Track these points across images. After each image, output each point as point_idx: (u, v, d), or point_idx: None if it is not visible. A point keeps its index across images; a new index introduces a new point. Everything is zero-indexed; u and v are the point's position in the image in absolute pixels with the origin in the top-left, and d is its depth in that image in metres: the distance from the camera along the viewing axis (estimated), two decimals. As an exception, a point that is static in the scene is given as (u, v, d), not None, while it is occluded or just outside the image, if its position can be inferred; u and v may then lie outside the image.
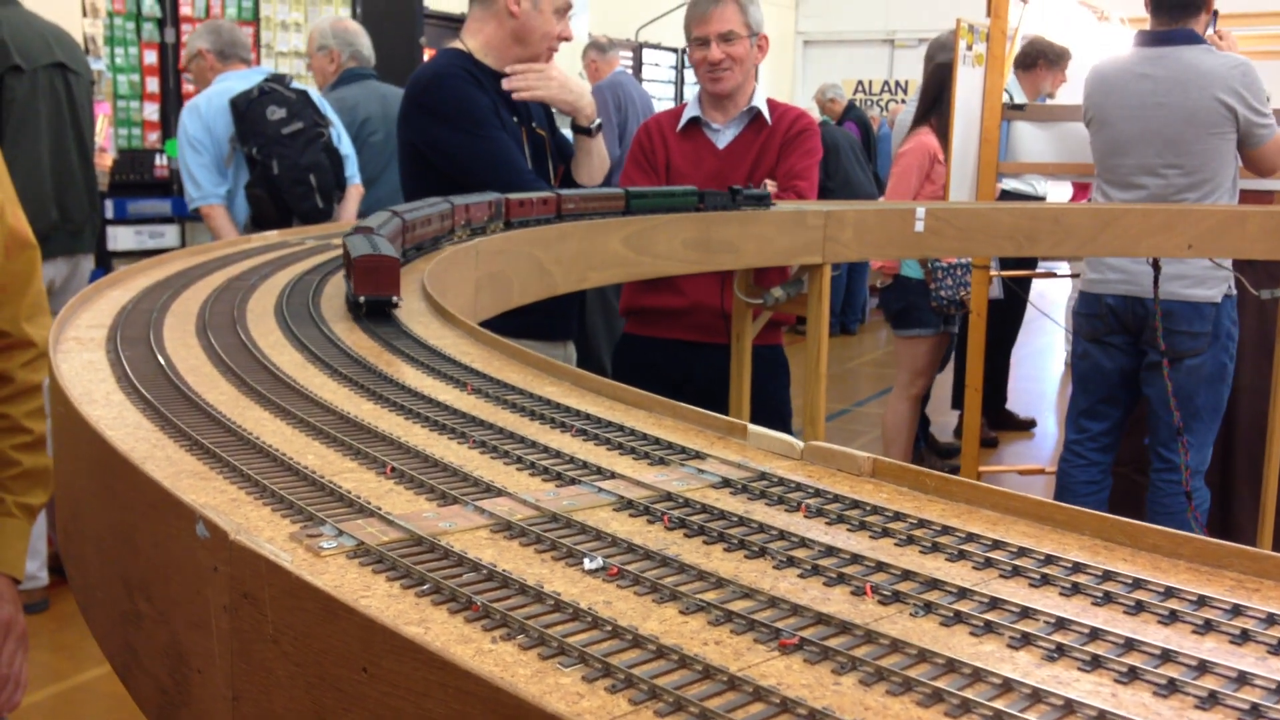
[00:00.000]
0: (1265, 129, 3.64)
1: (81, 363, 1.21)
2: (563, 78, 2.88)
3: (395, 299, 1.44)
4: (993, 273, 4.71)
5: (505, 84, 2.81)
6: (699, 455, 0.98)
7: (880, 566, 0.74)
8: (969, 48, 4.62)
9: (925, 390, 5.39)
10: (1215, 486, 4.22)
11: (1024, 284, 6.00)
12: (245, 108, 4.13)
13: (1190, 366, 3.73)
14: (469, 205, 2.19)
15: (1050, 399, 7.87)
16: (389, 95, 4.86)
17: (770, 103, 3.28)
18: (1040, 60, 5.87)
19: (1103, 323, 3.87)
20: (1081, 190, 5.63)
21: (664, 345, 3.27)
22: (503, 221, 2.32)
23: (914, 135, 4.97)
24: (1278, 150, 3.70)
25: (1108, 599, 0.70)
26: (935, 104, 4.88)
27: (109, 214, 5.40)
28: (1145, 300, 3.73)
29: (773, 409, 3.32)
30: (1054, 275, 5.32)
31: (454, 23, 7.25)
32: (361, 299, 1.42)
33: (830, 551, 0.77)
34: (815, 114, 10.42)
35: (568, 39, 2.94)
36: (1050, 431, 6.89)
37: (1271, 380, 3.78)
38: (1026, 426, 6.94)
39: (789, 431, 3.45)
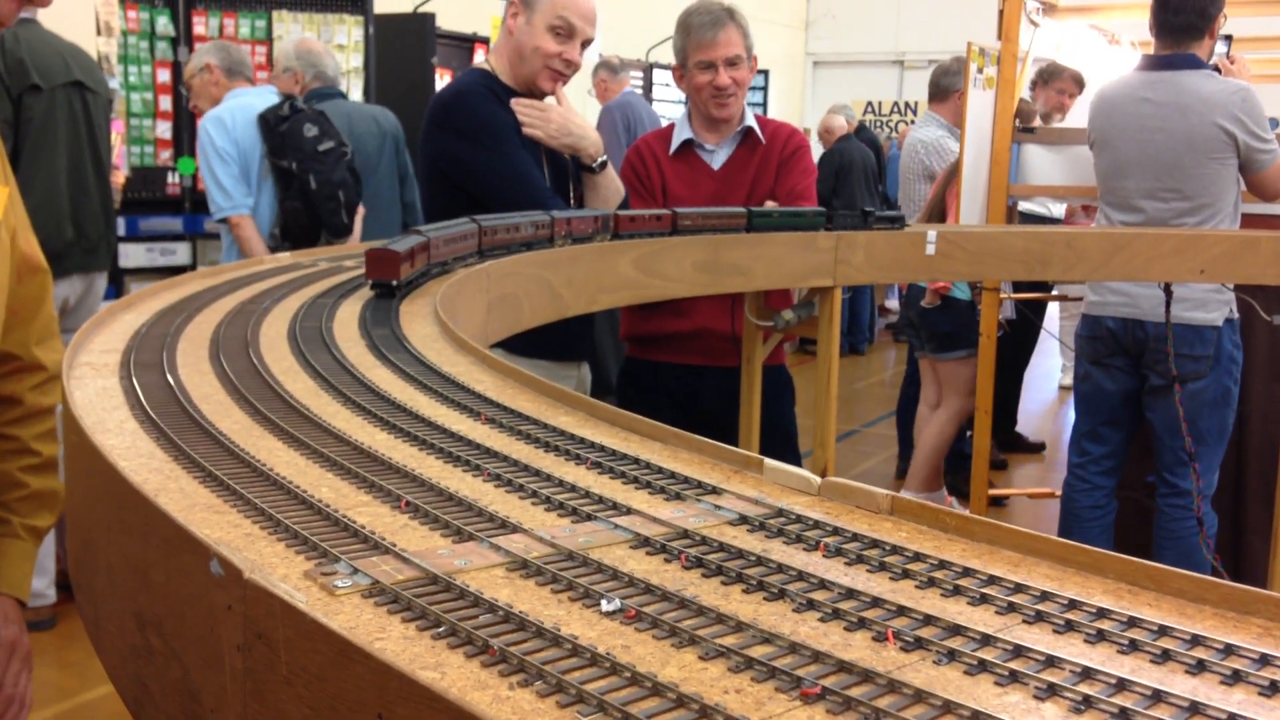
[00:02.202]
0: (1266, 154, 3.63)
1: (95, 389, 1.21)
2: (562, 119, 2.83)
3: (395, 282, 1.76)
4: (1003, 295, 4.70)
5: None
6: (715, 490, 0.97)
7: (902, 610, 0.73)
8: (979, 70, 4.63)
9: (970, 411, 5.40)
10: (1227, 510, 4.19)
11: (1036, 308, 5.99)
12: (278, 124, 4.23)
13: (1193, 390, 3.71)
14: (570, 219, 2.38)
15: (1056, 420, 7.85)
16: (355, 114, 4.91)
17: (760, 120, 3.28)
18: (1037, 80, 5.89)
19: (1103, 345, 3.85)
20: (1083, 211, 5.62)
21: (671, 369, 3.26)
22: (610, 235, 2.51)
23: None
24: (1277, 176, 3.69)
25: (1134, 647, 0.69)
26: None
27: (121, 231, 5.41)
28: (1146, 323, 3.71)
29: (780, 429, 3.31)
30: (1066, 298, 5.30)
31: (466, 43, 7.30)
32: (370, 281, 1.77)
33: (851, 594, 0.76)
34: (814, 139, 10.43)
35: (570, 62, 2.87)
36: (1060, 454, 6.86)
37: (1284, 406, 3.76)
38: (1036, 449, 6.92)
39: (796, 452, 3.47)
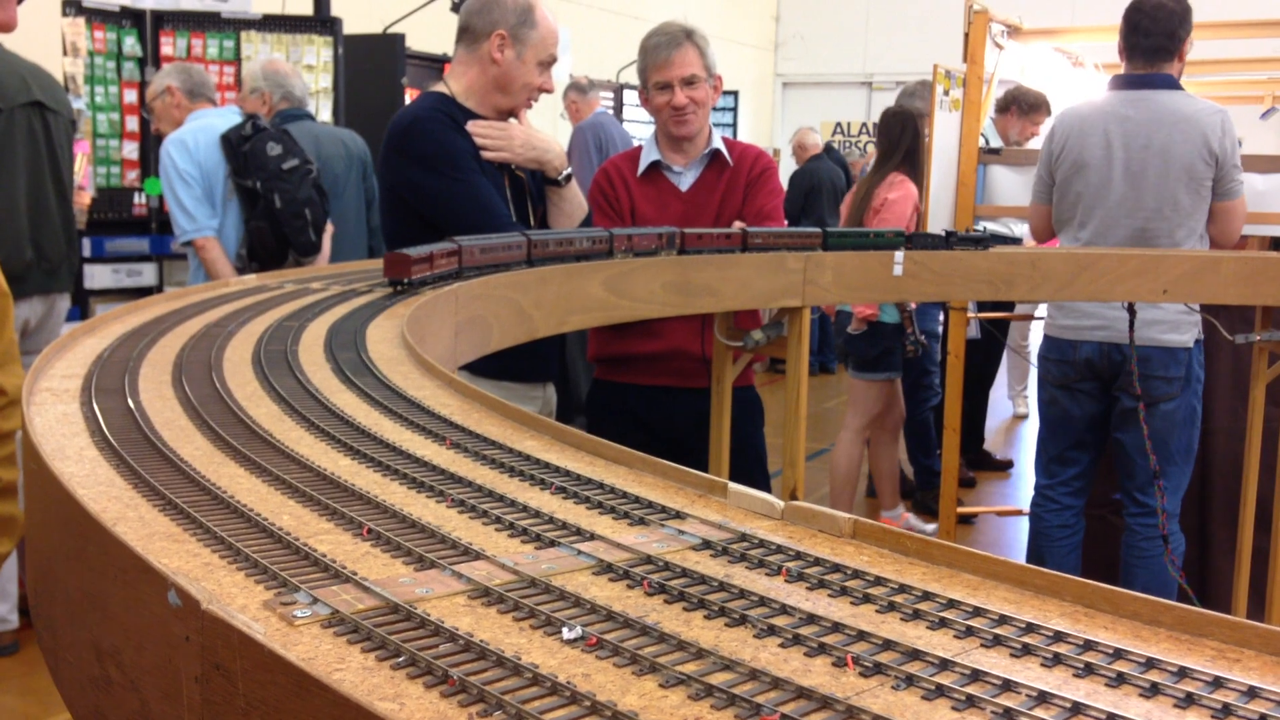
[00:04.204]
0: (1238, 181, 3.68)
1: (55, 415, 1.20)
2: (525, 135, 2.88)
3: (405, 280, 2.02)
4: (970, 315, 4.74)
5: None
6: (679, 515, 0.97)
7: (862, 635, 0.74)
8: (946, 93, 4.68)
9: (900, 427, 5.51)
10: (1193, 530, 4.23)
11: (1001, 326, 6.05)
12: (241, 143, 4.21)
13: (1165, 411, 3.74)
14: (631, 235, 2.53)
15: (1015, 436, 7.91)
16: (323, 135, 4.91)
17: (727, 142, 3.30)
18: (1013, 106, 5.98)
19: (1074, 369, 3.82)
20: None
21: (640, 391, 3.26)
22: (676, 250, 2.63)
23: (900, 182, 5.07)
24: (1242, 212, 3.73)
25: (1089, 670, 0.70)
26: (908, 150, 5.07)
27: (86, 252, 5.37)
28: (1123, 347, 3.72)
29: (749, 450, 3.31)
30: (1031, 317, 5.36)
31: (436, 64, 7.30)
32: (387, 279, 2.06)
33: (812, 619, 0.76)
34: (787, 158, 10.52)
35: (548, 91, 2.95)
36: (1027, 472, 6.90)
37: (1247, 423, 3.80)
38: (1004, 467, 6.97)
39: (766, 472, 3.48)
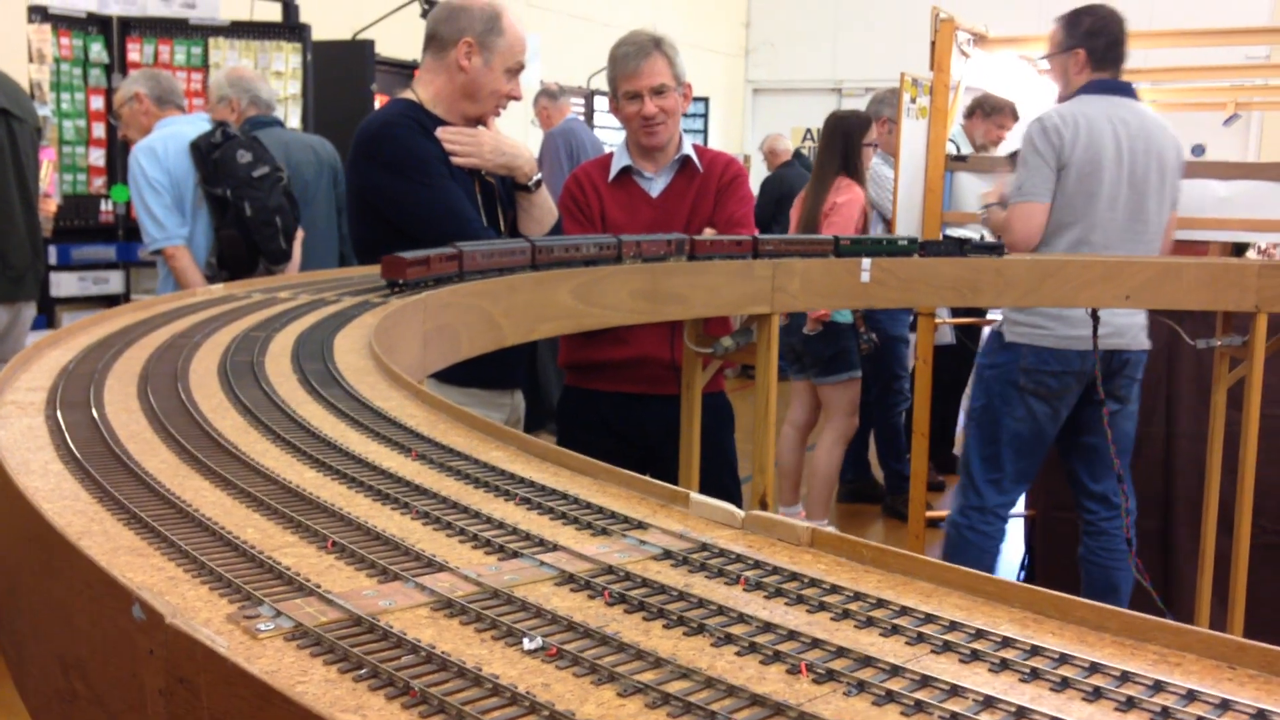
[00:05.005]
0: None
1: (20, 429, 1.20)
2: (494, 141, 2.89)
3: (400, 281, 2.08)
4: (938, 321, 4.79)
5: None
6: (641, 525, 0.98)
7: (816, 643, 0.75)
8: (913, 100, 4.73)
9: (851, 433, 5.59)
10: (1156, 533, 4.29)
11: (971, 332, 6.11)
12: (211, 151, 4.19)
13: (1130, 411, 3.81)
14: (640, 242, 2.58)
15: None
16: (293, 142, 4.90)
17: (697, 149, 3.32)
18: (978, 110, 6.07)
19: (1075, 379, 3.69)
20: None
21: (611, 398, 3.28)
22: (686, 257, 2.68)
23: (846, 186, 5.16)
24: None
25: (1035, 675, 0.72)
26: (844, 155, 5.23)
27: (53, 260, 5.33)
28: (1124, 352, 3.70)
29: (719, 457, 3.33)
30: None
31: (405, 70, 7.28)
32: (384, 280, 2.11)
33: (769, 627, 0.78)
34: (760, 164, 10.56)
35: (516, 98, 2.96)
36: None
37: (1209, 427, 3.86)
38: (973, 470, 7.02)
39: (736, 478, 3.50)
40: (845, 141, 5.29)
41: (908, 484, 5.06)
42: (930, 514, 4.97)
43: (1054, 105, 3.84)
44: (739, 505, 1.02)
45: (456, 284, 2.18)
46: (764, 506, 3.15)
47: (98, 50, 5.80)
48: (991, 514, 3.85)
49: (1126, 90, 3.75)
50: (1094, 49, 3.76)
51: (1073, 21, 3.76)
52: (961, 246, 3.15)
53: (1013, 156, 4.13)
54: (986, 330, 5.00)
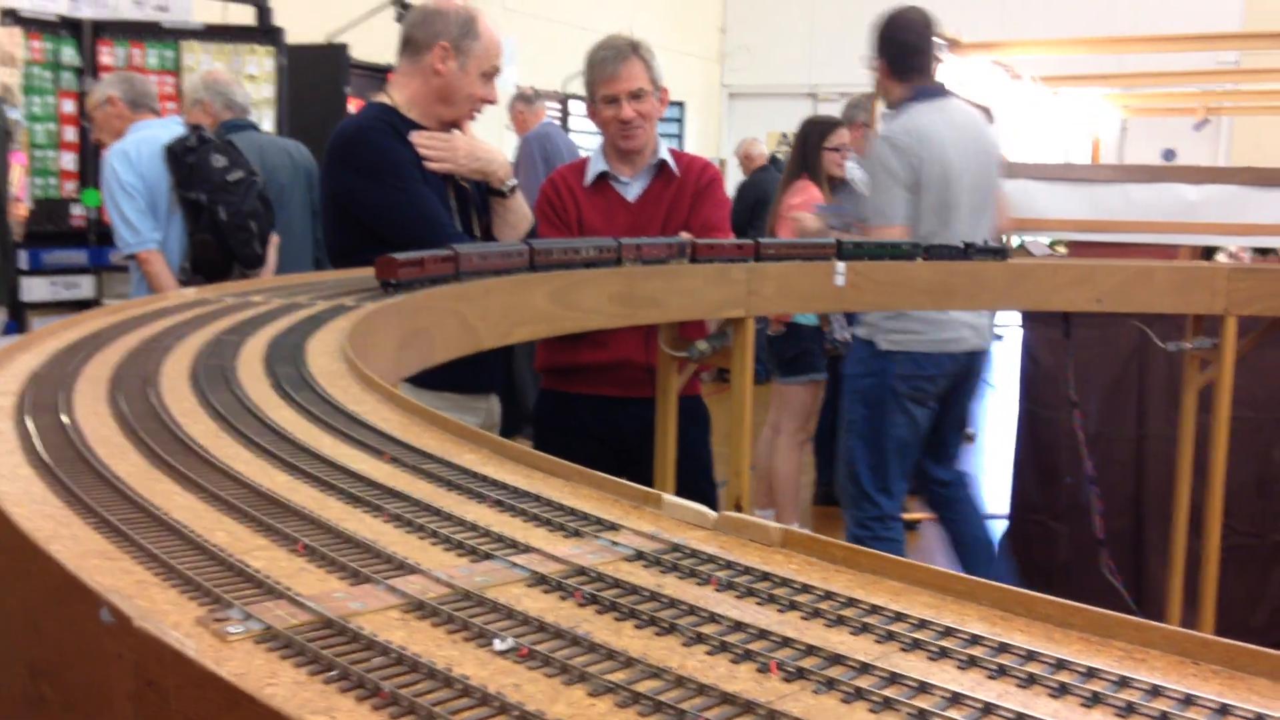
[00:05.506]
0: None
1: (-13, 433, 1.19)
2: (469, 146, 2.89)
3: (393, 280, 2.08)
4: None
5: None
6: (613, 526, 0.99)
7: (786, 641, 0.76)
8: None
9: (811, 435, 5.64)
10: (1127, 534, 4.33)
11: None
12: (185, 155, 4.17)
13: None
14: (640, 245, 2.60)
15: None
16: (268, 146, 4.89)
17: (674, 153, 3.33)
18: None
19: (948, 380, 3.78)
20: None
21: (588, 401, 3.28)
22: (689, 259, 2.69)
23: (803, 187, 5.22)
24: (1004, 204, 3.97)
25: (1002, 671, 0.72)
26: (804, 156, 5.35)
27: (23, 264, 5.28)
28: (984, 349, 3.92)
29: (696, 460, 3.34)
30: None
31: (379, 73, 7.26)
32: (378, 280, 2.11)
33: (739, 627, 0.78)
34: (735, 168, 10.60)
35: (491, 102, 2.96)
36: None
37: (1179, 429, 3.90)
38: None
39: (712, 481, 3.50)
40: (804, 144, 5.40)
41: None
42: (905, 516, 4.99)
43: (888, 119, 3.88)
44: (714, 508, 1.02)
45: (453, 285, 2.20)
46: (739, 510, 3.15)
47: (69, 53, 5.76)
48: (890, 519, 3.87)
49: (944, 92, 3.80)
50: (892, 58, 3.76)
51: (877, 29, 3.79)
52: (966, 250, 3.19)
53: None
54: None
